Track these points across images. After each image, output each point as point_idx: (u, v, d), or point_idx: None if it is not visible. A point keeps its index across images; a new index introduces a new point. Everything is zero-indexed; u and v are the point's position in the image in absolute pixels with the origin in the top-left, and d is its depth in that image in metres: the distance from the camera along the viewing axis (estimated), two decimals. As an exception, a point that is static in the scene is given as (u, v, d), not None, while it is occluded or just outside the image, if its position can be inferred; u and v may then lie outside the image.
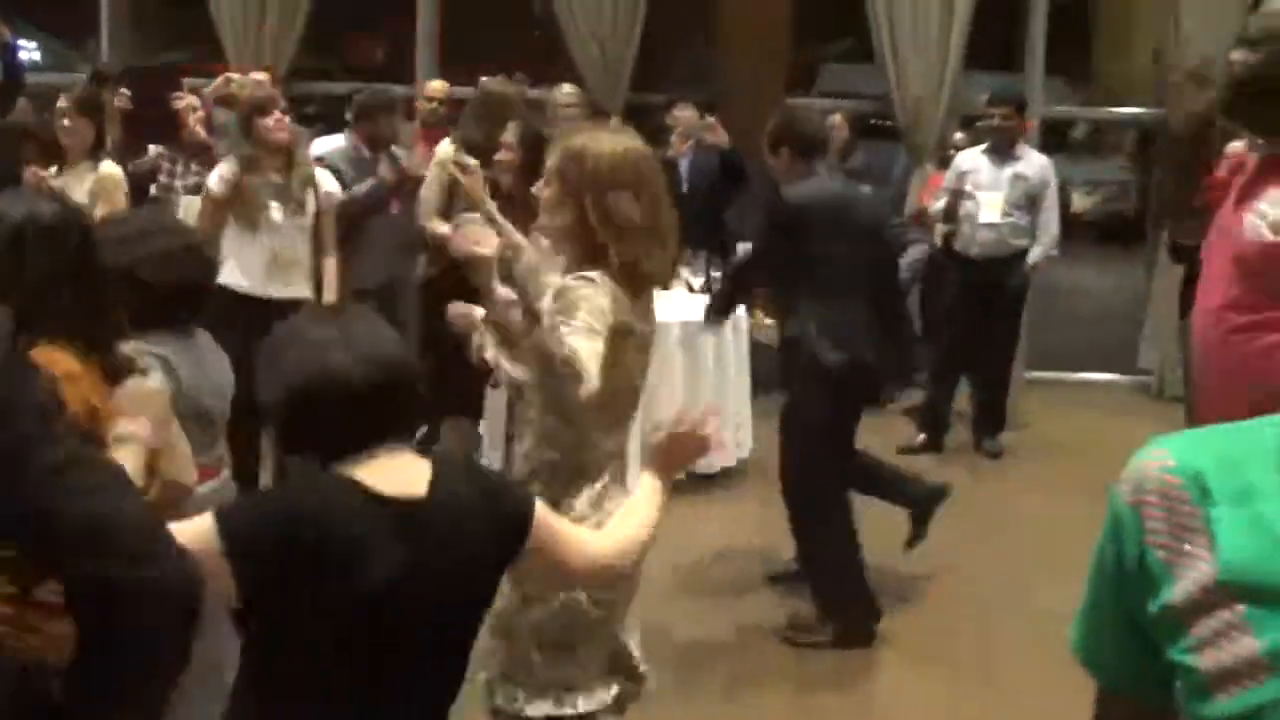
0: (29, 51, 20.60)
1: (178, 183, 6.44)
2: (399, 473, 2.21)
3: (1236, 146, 6.35)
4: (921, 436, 7.80)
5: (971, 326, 7.62)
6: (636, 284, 2.94)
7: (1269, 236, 2.97)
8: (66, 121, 5.63)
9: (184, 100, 6.58)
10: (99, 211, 5.69)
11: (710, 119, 7.78)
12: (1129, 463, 1.35)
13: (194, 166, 6.46)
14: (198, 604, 1.92)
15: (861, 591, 5.08)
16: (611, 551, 2.49)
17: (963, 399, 8.04)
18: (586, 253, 2.94)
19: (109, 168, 5.84)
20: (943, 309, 8.03)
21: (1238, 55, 3.06)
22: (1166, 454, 1.30)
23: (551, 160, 3.02)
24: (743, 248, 5.82)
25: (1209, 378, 3.17)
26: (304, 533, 2.14)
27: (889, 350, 5.09)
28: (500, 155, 4.78)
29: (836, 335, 4.85)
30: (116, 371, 2.75)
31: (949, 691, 4.77)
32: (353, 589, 2.15)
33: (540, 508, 2.37)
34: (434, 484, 2.21)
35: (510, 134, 4.74)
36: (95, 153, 5.76)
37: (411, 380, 2.26)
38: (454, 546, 2.22)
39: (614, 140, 3.00)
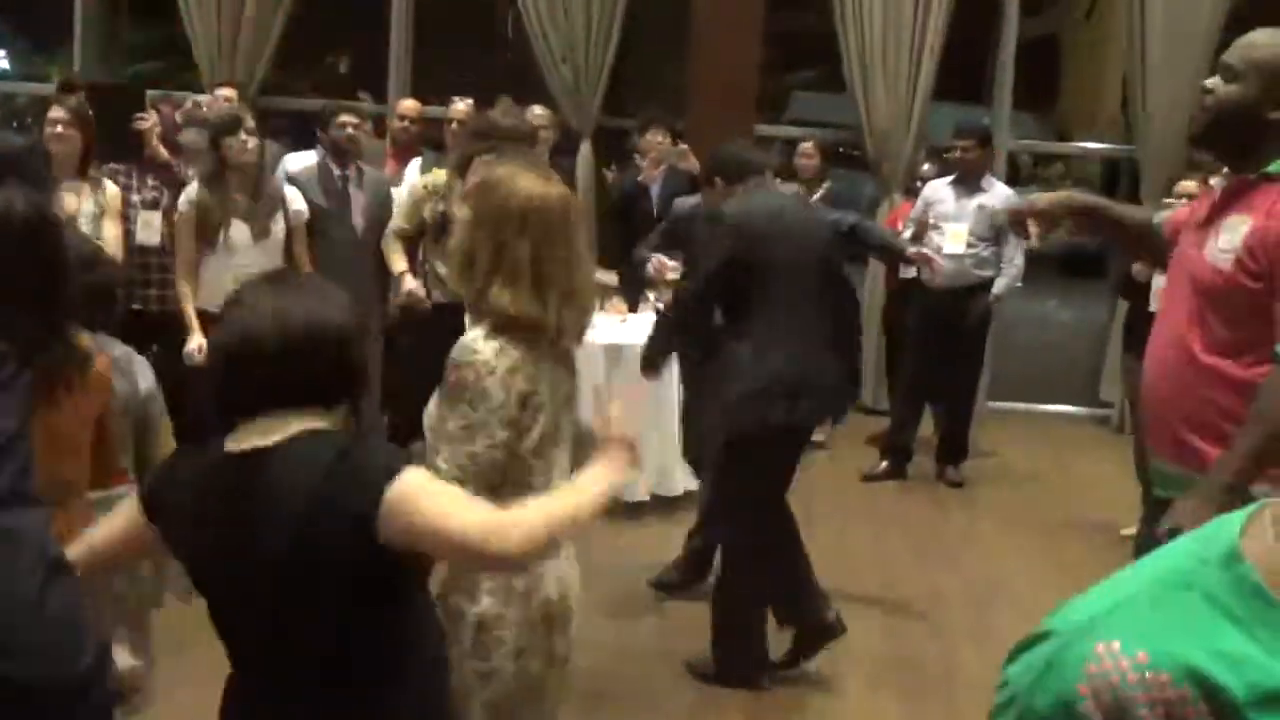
0: (-3, 60, 20.49)
1: (134, 197, 6.39)
2: (268, 434, 2.22)
3: (1189, 185, 6.42)
4: (884, 464, 7.83)
5: (934, 356, 7.66)
6: (531, 336, 2.78)
7: (1224, 264, 3.00)
8: (60, 129, 5.58)
9: (148, 120, 6.52)
10: (107, 229, 5.69)
11: (683, 145, 7.81)
12: (1060, 659, 1.17)
13: (150, 181, 6.42)
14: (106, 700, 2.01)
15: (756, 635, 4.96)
16: (532, 520, 2.24)
17: (926, 428, 8.09)
18: (478, 291, 2.80)
19: (113, 188, 5.81)
20: (906, 338, 8.06)
21: (1216, 84, 3.08)
22: (1123, 646, 1.14)
23: (470, 185, 2.91)
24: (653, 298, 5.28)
25: (1162, 404, 3.19)
26: (162, 496, 2.30)
27: (837, 368, 4.93)
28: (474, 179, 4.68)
29: (779, 356, 4.70)
30: (66, 384, 2.75)
31: (909, 717, 4.78)
32: (189, 548, 2.28)
33: (411, 476, 2.18)
34: (274, 445, 2.20)
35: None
36: (85, 165, 5.71)
37: (318, 348, 2.22)
38: (280, 504, 2.15)
39: (533, 183, 2.83)
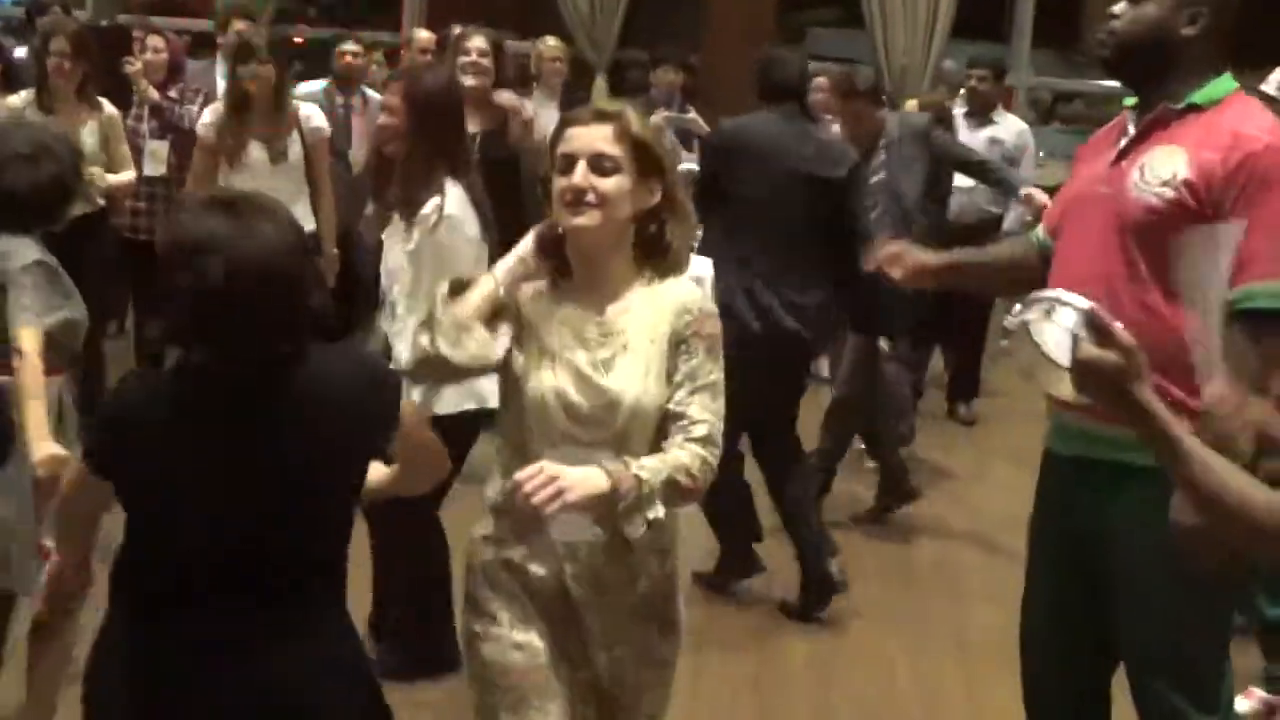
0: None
1: (143, 126, 6.36)
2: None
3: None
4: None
5: (943, 294, 7.61)
6: None
7: (1156, 199, 2.78)
8: (66, 65, 5.54)
9: (136, 64, 6.44)
10: (115, 149, 5.68)
11: (692, 113, 7.72)
12: None
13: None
14: None
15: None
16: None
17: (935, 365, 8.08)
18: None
19: (110, 109, 5.77)
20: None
21: (1124, 8, 2.92)
22: None
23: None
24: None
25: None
26: (123, 428, 2.20)
27: (819, 306, 4.86)
28: (382, 118, 3.96)
29: (753, 295, 4.71)
30: None
31: (919, 658, 4.77)
32: (160, 469, 2.17)
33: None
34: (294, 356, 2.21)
35: (392, 92, 3.90)
36: (84, 92, 5.66)
37: (280, 285, 2.14)
38: (313, 412, 2.22)
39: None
